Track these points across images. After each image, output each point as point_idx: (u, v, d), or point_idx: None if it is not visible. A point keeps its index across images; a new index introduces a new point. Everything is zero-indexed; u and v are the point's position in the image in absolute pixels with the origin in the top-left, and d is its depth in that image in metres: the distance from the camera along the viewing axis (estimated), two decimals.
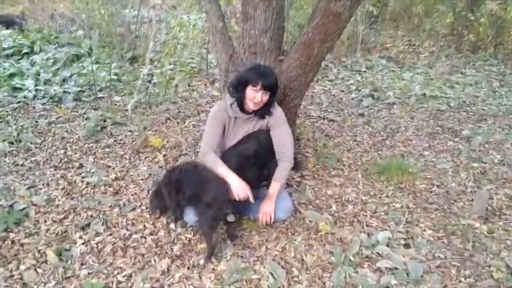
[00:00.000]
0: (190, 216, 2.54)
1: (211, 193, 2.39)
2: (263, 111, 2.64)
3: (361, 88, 5.74)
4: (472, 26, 7.73)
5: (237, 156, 2.60)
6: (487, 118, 4.85)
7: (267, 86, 2.48)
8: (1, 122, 4.16)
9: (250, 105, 2.57)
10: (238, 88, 2.58)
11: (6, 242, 2.55)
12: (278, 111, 2.72)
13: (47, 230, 2.68)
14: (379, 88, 5.68)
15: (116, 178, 3.26)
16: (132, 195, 3.07)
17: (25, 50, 6.45)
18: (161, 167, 3.44)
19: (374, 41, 8.36)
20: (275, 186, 2.63)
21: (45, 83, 5.22)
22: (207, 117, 2.76)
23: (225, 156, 2.64)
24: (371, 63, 7.05)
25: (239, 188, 2.41)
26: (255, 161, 2.63)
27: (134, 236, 2.64)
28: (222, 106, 2.71)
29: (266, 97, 2.53)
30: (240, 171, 2.48)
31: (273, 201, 2.61)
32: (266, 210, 2.60)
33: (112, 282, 2.28)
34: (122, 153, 3.68)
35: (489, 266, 2.47)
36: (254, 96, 2.50)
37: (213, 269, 2.38)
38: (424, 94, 5.50)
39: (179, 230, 2.70)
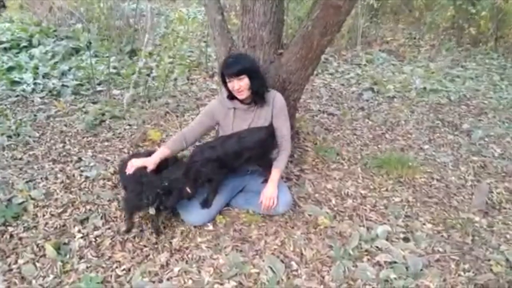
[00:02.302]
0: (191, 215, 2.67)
1: (131, 186, 2.57)
2: (256, 97, 2.66)
3: (361, 82, 5.72)
4: (473, 20, 7.69)
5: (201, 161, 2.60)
6: (487, 112, 4.84)
7: (232, 74, 2.53)
8: (0, 116, 4.15)
9: (236, 95, 2.61)
10: (223, 83, 2.65)
11: (4, 236, 2.55)
12: (281, 101, 2.75)
13: (46, 224, 2.67)
14: (379, 81, 5.65)
15: (115, 172, 3.25)
16: None
17: (24, 44, 6.41)
18: None
19: (374, 34, 8.31)
20: (276, 173, 2.70)
21: (43, 77, 5.19)
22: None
23: (194, 152, 2.69)
24: (372, 56, 7.01)
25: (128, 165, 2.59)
26: (219, 165, 2.62)
27: (132, 230, 2.63)
28: (218, 100, 2.78)
29: (243, 83, 2.54)
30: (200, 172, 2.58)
31: (276, 186, 2.66)
32: (269, 195, 2.63)
33: (111, 276, 2.28)
34: (121, 147, 3.67)
35: (489, 260, 2.48)
36: (232, 85, 2.56)
37: (212, 263, 2.37)
38: (425, 88, 5.48)
39: (176, 223, 2.69)
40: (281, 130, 2.74)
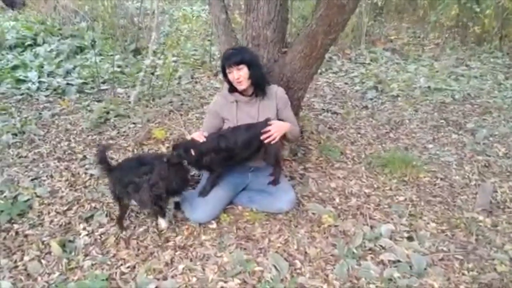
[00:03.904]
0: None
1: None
2: (256, 89, 2.70)
3: (365, 81, 5.71)
4: (477, 18, 7.66)
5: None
6: (492, 111, 4.81)
7: (231, 64, 2.58)
8: (5, 114, 4.17)
9: (236, 86, 2.66)
10: (224, 76, 2.70)
11: (10, 233, 2.57)
12: (284, 94, 2.82)
13: (51, 221, 2.69)
14: (383, 80, 5.64)
15: None
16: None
17: (28, 42, 6.45)
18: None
19: (378, 33, 8.30)
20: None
21: (48, 75, 5.22)
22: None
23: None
24: (376, 55, 7.00)
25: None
26: (226, 156, 2.67)
27: (137, 227, 2.65)
28: (220, 95, 2.83)
29: (242, 72, 2.59)
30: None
31: (283, 126, 2.69)
32: (274, 125, 2.65)
33: (116, 273, 2.29)
34: (125, 145, 3.68)
35: (493, 259, 2.47)
36: (232, 76, 2.61)
37: (216, 261, 2.38)
38: (429, 87, 5.47)
39: (181, 221, 2.71)
40: (290, 121, 2.81)
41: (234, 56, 2.60)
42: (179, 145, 2.63)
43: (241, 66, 2.58)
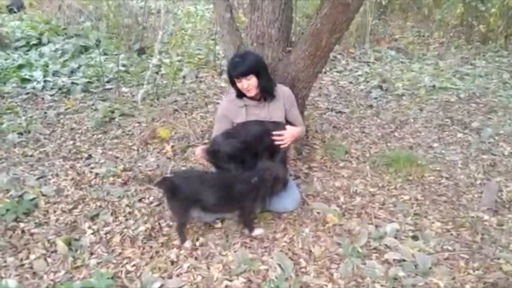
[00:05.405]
0: None
1: None
2: (265, 94, 2.69)
3: (370, 80, 5.70)
4: (482, 17, 7.62)
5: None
6: (497, 110, 4.78)
7: (240, 74, 2.54)
8: (11, 113, 4.20)
9: (245, 93, 2.64)
10: (232, 83, 2.68)
11: (16, 232, 2.58)
12: (290, 94, 2.81)
13: (57, 220, 2.71)
14: (388, 79, 5.62)
15: (125, 169, 3.28)
16: (140, 185, 3.08)
17: (34, 42, 6.50)
18: (169, 158, 3.46)
19: (383, 32, 8.27)
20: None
21: (53, 74, 5.26)
22: (216, 111, 2.86)
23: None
24: (380, 54, 6.98)
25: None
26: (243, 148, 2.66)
27: (142, 226, 2.66)
28: (229, 99, 2.79)
29: (251, 81, 2.57)
30: None
31: (294, 131, 2.71)
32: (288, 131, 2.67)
33: (121, 272, 2.30)
34: (130, 144, 3.69)
35: (498, 258, 2.45)
36: (241, 85, 2.59)
37: (221, 259, 2.39)
38: (434, 86, 5.44)
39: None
40: (298, 120, 2.84)
41: (241, 66, 2.54)
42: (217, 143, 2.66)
43: (250, 76, 2.55)
